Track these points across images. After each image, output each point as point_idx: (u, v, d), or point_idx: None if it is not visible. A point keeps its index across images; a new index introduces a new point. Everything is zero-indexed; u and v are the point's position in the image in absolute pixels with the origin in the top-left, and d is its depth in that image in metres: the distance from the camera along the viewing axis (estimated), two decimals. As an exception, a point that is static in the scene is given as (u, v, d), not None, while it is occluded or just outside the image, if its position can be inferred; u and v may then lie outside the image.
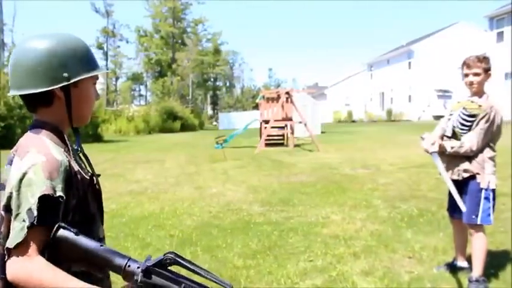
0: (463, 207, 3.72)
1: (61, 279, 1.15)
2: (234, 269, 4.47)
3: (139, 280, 1.12)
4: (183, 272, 1.17)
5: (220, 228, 6.08)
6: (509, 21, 28.17)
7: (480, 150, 3.79)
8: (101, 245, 1.17)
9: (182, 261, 1.14)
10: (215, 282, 1.14)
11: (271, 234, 5.69)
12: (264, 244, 5.29)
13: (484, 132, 3.74)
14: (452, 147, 3.81)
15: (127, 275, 1.14)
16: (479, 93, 3.84)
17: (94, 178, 1.46)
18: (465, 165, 3.84)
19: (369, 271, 4.34)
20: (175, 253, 1.15)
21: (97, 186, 1.48)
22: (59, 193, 1.22)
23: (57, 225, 1.16)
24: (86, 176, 1.39)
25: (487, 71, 3.80)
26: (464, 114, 3.85)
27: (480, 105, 3.77)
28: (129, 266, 1.14)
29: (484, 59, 3.81)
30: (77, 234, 1.16)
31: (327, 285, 4.08)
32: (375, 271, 4.34)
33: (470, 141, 3.76)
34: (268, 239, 5.50)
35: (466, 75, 3.85)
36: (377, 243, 5.17)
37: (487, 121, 3.73)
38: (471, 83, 3.82)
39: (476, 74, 3.79)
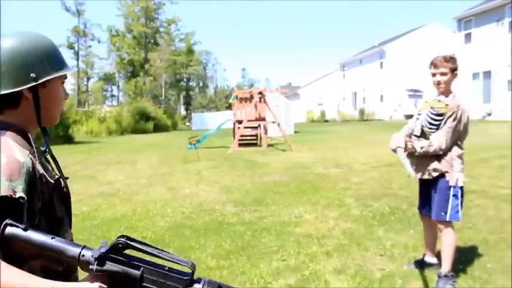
0: (412, 173, 3.86)
1: (23, 279, 1.11)
2: (207, 270, 4.45)
3: (94, 269, 1.08)
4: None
5: (193, 229, 6.05)
6: (477, 23, 28.83)
7: (449, 148, 3.88)
8: (52, 237, 1.12)
9: (135, 244, 1.09)
10: (175, 262, 1.10)
11: (244, 234, 5.69)
12: (237, 244, 5.29)
13: (452, 131, 3.82)
14: (421, 147, 3.88)
15: (83, 265, 1.10)
16: (446, 92, 3.93)
17: (61, 181, 1.43)
18: (434, 164, 3.92)
19: (342, 269, 4.38)
20: (127, 236, 1.10)
21: (65, 189, 1.44)
22: (20, 194, 1.18)
23: (3, 224, 1.10)
24: (51, 180, 1.36)
25: (453, 70, 3.89)
26: (432, 113, 3.92)
27: (447, 104, 3.85)
28: (83, 255, 1.10)
29: (450, 59, 3.90)
30: (25, 229, 1.11)
31: (299, 284, 4.10)
32: (347, 269, 4.38)
33: (438, 140, 3.83)
34: (242, 239, 5.50)
35: (434, 74, 3.93)
36: (349, 242, 5.22)
37: (454, 119, 3.81)
38: (438, 83, 3.90)
39: (443, 74, 3.87)
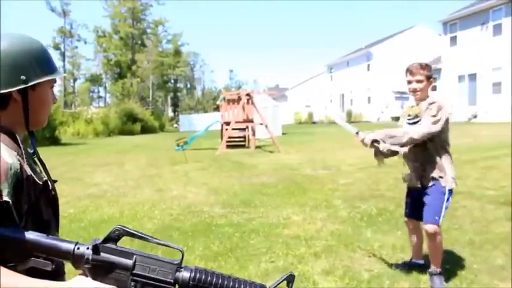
0: (354, 130, 4.11)
1: (14, 278, 1.09)
2: (196, 272, 4.43)
3: (90, 259, 1.10)
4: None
5: (181, 231, 6.04)
6: (462, 26, 29.10)
7: (439, 154, 3.88)
8: (46, 236, 1.13)
9: (131, 231, 1.13)
10: (167, 246, 1.19)
11: (232, 236, 5.68)
12: (226, 246, 5.29)
13: (430, 124, 3.75)
14: (391, 136, 3.86)
15: (77, 259, 1.11)
16: (422, 99, 3.94)
17: (49, 183, 1.41)
18: (428, 172, 3.91)
19: (330, 270, 4.40)
20: (122, 225, 1.14)
21: (52, 193, 1.43)
22: (5, 198, 1.16)
23: None
24: (39, 182, 1.35)
25: (429, 78, 3.92)
26: (409, 119, 4.00)
27: (417, 104, 3.92)
28: (78, 248, 1.11)
29: (426, 66, 3.93)
30: (16, 230, 1.11)
31: (288, 285, 4.10)
32: (335, 270, 4.40)
33: (413, 129, 3.81)
34: (230, 240, 5.49)
35: (410, 82, 3.96)
36: (337, 243, 5.24)
37: (431, 115, 3.77)
38: (414, 90, 3.92)
39: (419, 81, 3.90)
